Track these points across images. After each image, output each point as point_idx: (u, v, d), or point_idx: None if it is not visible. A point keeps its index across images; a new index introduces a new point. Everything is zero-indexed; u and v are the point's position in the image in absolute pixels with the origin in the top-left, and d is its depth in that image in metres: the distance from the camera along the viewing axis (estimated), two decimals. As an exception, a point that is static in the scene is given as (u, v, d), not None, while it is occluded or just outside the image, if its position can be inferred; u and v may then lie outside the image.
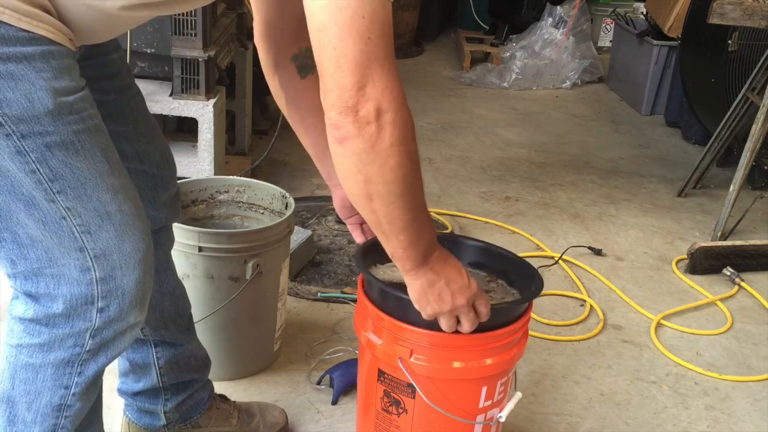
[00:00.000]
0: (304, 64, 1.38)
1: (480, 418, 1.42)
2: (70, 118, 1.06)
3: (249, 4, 3.10)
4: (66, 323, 1.15)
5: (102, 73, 1.30)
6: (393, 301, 1.33)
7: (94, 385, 1.24)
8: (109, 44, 1.31)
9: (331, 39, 1.00)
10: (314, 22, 1.00)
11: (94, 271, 1.12)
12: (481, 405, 1.41)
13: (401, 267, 1.19)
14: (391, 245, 1.16)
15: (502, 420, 1.43)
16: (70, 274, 1.12)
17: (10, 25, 1.00)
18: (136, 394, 1.58)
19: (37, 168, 1.06)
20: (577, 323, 2.33)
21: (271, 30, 1.38)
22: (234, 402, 1.72)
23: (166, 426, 1.61)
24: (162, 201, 1.44)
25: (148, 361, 1.54)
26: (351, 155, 1.05)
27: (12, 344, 1.19)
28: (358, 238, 1.49)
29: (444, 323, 1.25)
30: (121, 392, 1.60)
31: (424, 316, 1.25)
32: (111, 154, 1.14)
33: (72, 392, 1.21)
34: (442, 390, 1.38)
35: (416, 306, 1.24)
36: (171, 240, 1.55)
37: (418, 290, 1.21)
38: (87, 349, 1.18)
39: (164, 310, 1.51)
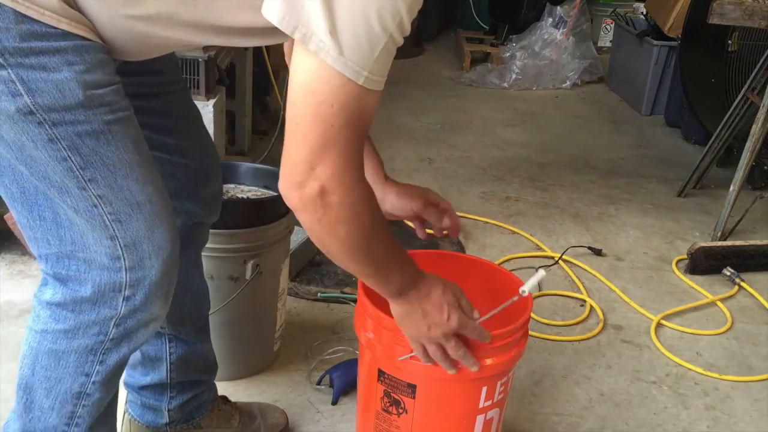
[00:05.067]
0: None
1: (480, 418, 1.42)
2: (101, 110, 1.08)
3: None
4: (92, 309, 1.17)
5: (146, 69, 1.32)
6: None
7: (115, 376, 1.25)
8: None
9: (297, 115, 1.02)
10: (290, 93, 1.03)
11: (124, 259, 1.14)
12: (481, 405, 1.40)
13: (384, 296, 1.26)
14: (365, 282, 1.24)
15: (525, 294, 1.41)
16: (100, 260, 1.14)
17: (47, 24, 1.02)
18: (142, 388, 1.58)
19: (69, 155, 1.07)
20: (577, 323, 2.33)
21: None
22: (235, 403, 1.72)
23: (168, 425, 1.61)
24: (202, 196, 1.47)
25: (161, 355, 1.55)
26: (303, 222, 1.10)
27: (37, 330, 1.21)
28: (419, 233, 1.51)
29: (431, 349, 1.30)
30: (127, 385, 1.60)
31: (410, 340, 1.30)
32: (142, 146, 1.15)
33: (92, 380, 1.22)
34: (442, 390, 1.38)
35: (399, 325, 1.29)
36: (204, 238, 1.57)
37: (398, 314, 1.27)
38: (110, 337, 1.19)
39: (185, 306, 1.52)
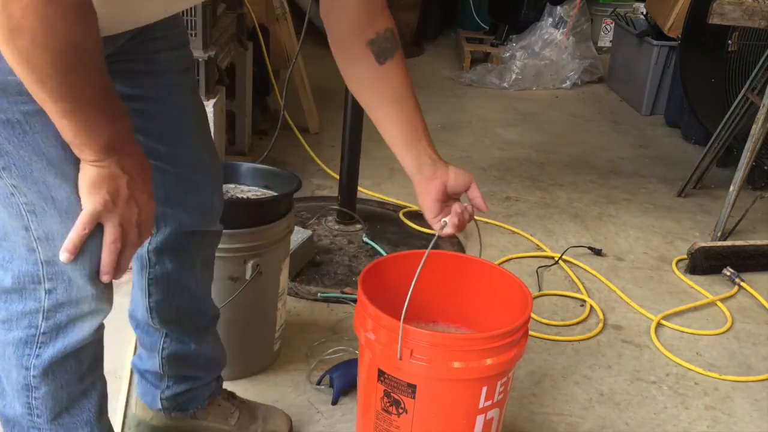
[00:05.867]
0: (382, 48, 1.31)
1: (480, 418, 1.42)
2: (18, 99, 1.03)
3: (248, 4, 3.10)
4: (19, 301, 1.16)
5: (144, 69, 1.29)
6: None
7: (61, 371, 1.22)
8: (159, 42, 1.30)
9: None
10: None
11: (39, 252, 1.12)
12: (481, 405, 1.41)
13: (81, 157, 1.05)
14: (60, 129, 1.02)
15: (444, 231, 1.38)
16: (20, 250, 1.13)
17: None
18: (143, 372, 1.63)
19: None
20: (577, 323, 2.33)
21: (339, 12, 1.31)
22: (240, 402, 1.73)
23: (163, 410, 1.65)
24: (193, 206, 1.43)
25: (155, 348, 1.57)
26: None
27: None
28: (448, 230, 1.40)
29: (110, 228, 1.08)
30: (133, 365, 1.66)
31: (89, 209, 1.07)
32: None
33: (32, 374, 1.21)
34: (442, 390, 1.38)
35: (83, 193, 1.07)
36: (203, 246, 1.53)
37: (95, 177, 1.05)
38: (42, 331, 1.18)
39: (182, 306, 1.53)
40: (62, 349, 1.20)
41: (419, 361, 1.34)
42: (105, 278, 1.12)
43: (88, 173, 1.05)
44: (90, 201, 1.06)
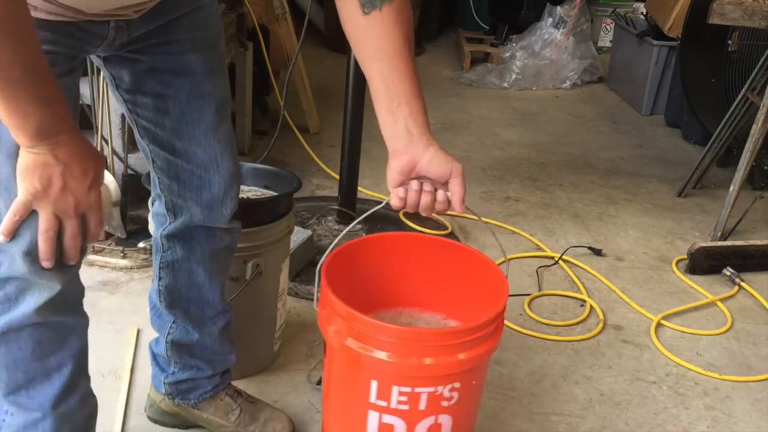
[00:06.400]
0: None
1: (373, 415, 1.32)
2: None
3: (248, 4, 3.10)
4: None
5: (169, 68, 1.33)
6: None
7: (13, 346, 1.23)
8: (185, 44, 1.32)
9: None
10: None
11: None
12: (372, 399, 1.30)
13: (18, 142, 1.06)
14: None
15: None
16: None
17: None
18: (155, 355, 1.69)
19: None
20: (577, 323, 2.33)
21: None
22: (245, 400, 1.74)
23: (167, 395, 1.71)
24: (204, 201, 1.47)
25: (163, 331, 1.63)
26: None
27: None
28: (393, 202, 1.26)
29: (43, 216, 1.10)
30: (149, 347, 1.72)
31: (20, 197, 1.09)
32: None
33: None
34: (341, 360, 1.33)
35: (18, 179, 1.08)
36: (212, 239, 1.55)
37: (29, 163, 1.06)
38: None
39: (188, 294, 1.58)
40: (12, 321, 1.21)
41: (330, 325, 1.29)
42: (45, 264, 1.14)
43: (23, 159, 1.06)
44: (22, 188, 1.08)
